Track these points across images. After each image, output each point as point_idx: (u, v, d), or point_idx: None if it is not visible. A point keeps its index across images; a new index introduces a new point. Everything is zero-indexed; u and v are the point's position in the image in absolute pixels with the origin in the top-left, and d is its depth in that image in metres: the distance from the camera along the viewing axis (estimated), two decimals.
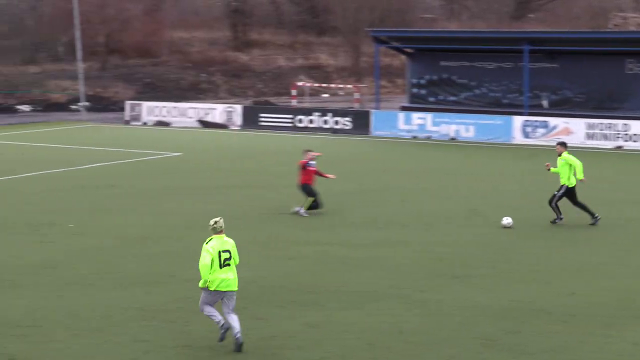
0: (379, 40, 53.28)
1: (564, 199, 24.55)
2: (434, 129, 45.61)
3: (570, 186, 24.41)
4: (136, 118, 53.63)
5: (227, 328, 14.81)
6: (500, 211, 26.09)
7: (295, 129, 48.67)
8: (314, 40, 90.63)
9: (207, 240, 14.97)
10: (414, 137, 45.78)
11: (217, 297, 14.96)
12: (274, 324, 15.93)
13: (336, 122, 48.07)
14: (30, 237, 23.03)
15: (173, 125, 51.94)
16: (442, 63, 51.37)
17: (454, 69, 51.06)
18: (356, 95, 60.08)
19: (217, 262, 14.85)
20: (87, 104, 60.21)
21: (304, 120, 48.91)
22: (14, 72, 72.83)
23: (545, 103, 48.44)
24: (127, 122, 53.88)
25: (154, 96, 68.40)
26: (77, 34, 58.38)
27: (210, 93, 73.37)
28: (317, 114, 49.16)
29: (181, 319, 16.10)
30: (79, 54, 58.43)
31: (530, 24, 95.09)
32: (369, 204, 27.49)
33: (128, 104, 55.17)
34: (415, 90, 52.34)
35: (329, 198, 27.87)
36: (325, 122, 48.37)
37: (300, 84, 66.12)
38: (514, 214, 25.60)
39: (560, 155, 24.64)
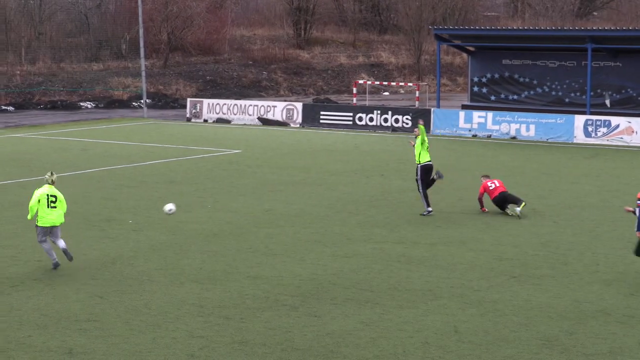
0: (440, 38, 53.04)
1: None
2: (495, 127, 45.32)
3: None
4: (197, 115, 53.94)
5: (57, 265, 19.55)
6: (559, 211, 25.95)
7: (355, 126, 48.65)
8: (375, 38, 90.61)
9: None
10: (474, 136, 45.55)
11: (47, 230, 19.54)
12: (329, 321, 15.93)
13: (396, 120, 47.97)
14: (90, 232, 23.28)
15: (234, 123, 52.17)
16: (504, 61, 51.00)
17: (516, 67, 50.67)
18: (417, 94, 59.89)
19: (44, 203, 19.51)
20: (148, 101, 60.75)
21: (364, 118, 48.86)
22: (78, 69, 73.74)
23: (607, 102, 47.91)
24: (188, 119, 54.22)
25: (215, 93, 68.85)
26: (141, 31, 58.92)
27: (271, 90, 73.63)
28: (377, 112, 49.09)
29: (237, 316, 16.18)
30: (142, 51, 58.94)
31: (594, 22, 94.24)
32: None
33: (189, 101, 55.51)
34: (476, 88, 52.03)
35: (388, 196, 27.82)
36: (385, 120, 48.29)
37: (361, 81, 66.10)
38: (572, 213, 25.44)
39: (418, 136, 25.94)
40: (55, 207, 19.63)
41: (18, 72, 70.83)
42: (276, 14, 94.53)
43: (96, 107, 64.51)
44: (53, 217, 19.56)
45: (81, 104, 65.19)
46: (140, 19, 58.53)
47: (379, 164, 35.75)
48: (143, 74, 59.19)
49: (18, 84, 68.36)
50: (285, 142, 43.04)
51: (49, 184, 19.81)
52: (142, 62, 59.27)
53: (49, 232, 19.60)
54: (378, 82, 70.04)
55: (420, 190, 25.73)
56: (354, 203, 27.20)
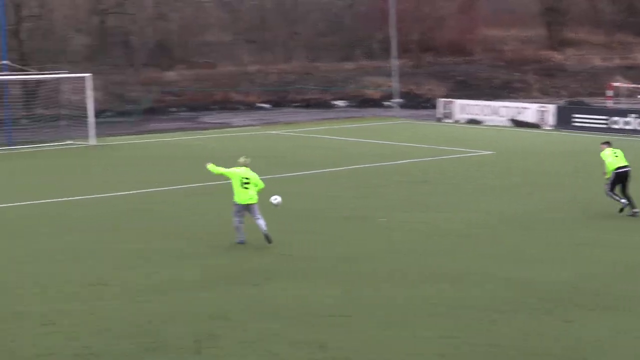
0: None
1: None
2: None
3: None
4: (448, 116, 53.83)
5: (241, 242, 21.65)
6: None
7: (609, 130, 47.22)
8: (632, 39, 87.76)
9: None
10: None
11: (242, 208, 21.71)
12: (582, 328, 15.49)
13: None
14: (343, 229, 23.59)
15: (485, 124, 51.73)
16: None
17: None
18: None
19: (238, 183, 21.70)
20: (400, 100, 61.14)
21: (619, 122, 47.40)
22: (330, 68, 75.03)
23: None
24: (439, 120, 54.19)
25: (466, 94, 68.50)
26: (393, 31, 59.36)
27: (523, 92, 72.58)
28: (633, 115, 47.52)
29: (488, 318, 15.97)
30: (394, 51, 59.37)
31: None
32: None
33: (440, 101, 55.47)
34: None
35: None
36: None
37: (616, 84, 64.20)
38: None
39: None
40: (247, 187, 21.78)
41: (274, 70, 72.83)
42: (529, 13, 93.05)
43: (348, 105, 65.46)
44: (246, 196, 21.73)
45: (334, 102, 66.35)
46: (392, 18, 58.99)
47: None
48: (394, 73, 59.63)
49: (274, 82, 70.29)
50: (537, 145, 42.32)
51: (241, 166, 22.03)
52: (394, 62, 59.71)
53: (245, 209, 21.79)
54: (634, 85, 67.85)
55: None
56: (607, 207, 26.40)
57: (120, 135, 47.82)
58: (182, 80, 68.70)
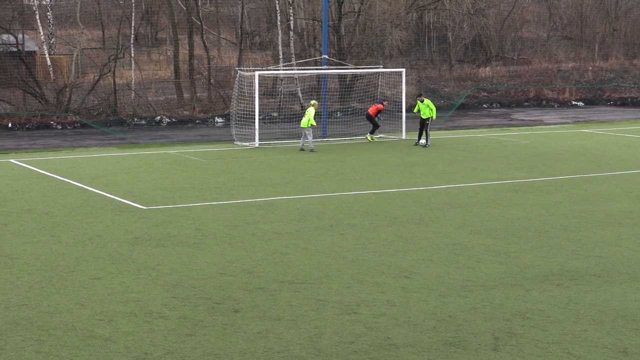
0: None
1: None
2: None
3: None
4: None
5: (302, 150, 39.56)
6: None
7: None
8: None
9: None
10: None
11: (302, 130, 39.66)
12: None
13: None
14: None
15: None
16: None
17: None
18: None
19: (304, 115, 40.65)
20: None
21: None
22: None
23: None
24: None
25: None
26: None
27: None
28: None
29: None
30: None
31: None
32: None
33: None
34: None
35: None
36: None
37: None
38: None
39: (422, 102, 41.85)
40: (305, 117, 39.10)
41: (590, 67, 71.35)
42: None
43: None
44: (302, 122, 39.29)
45: None
46: None
47: None
48: None
49: (589, 79, 68.86)
50: None
51: (311, 106, 39.41)
52: None
53: (303, 130, 39.33)
54: None
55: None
56: None
57: (430, 131, 48.32)
58: (495, 77, 68.66)
